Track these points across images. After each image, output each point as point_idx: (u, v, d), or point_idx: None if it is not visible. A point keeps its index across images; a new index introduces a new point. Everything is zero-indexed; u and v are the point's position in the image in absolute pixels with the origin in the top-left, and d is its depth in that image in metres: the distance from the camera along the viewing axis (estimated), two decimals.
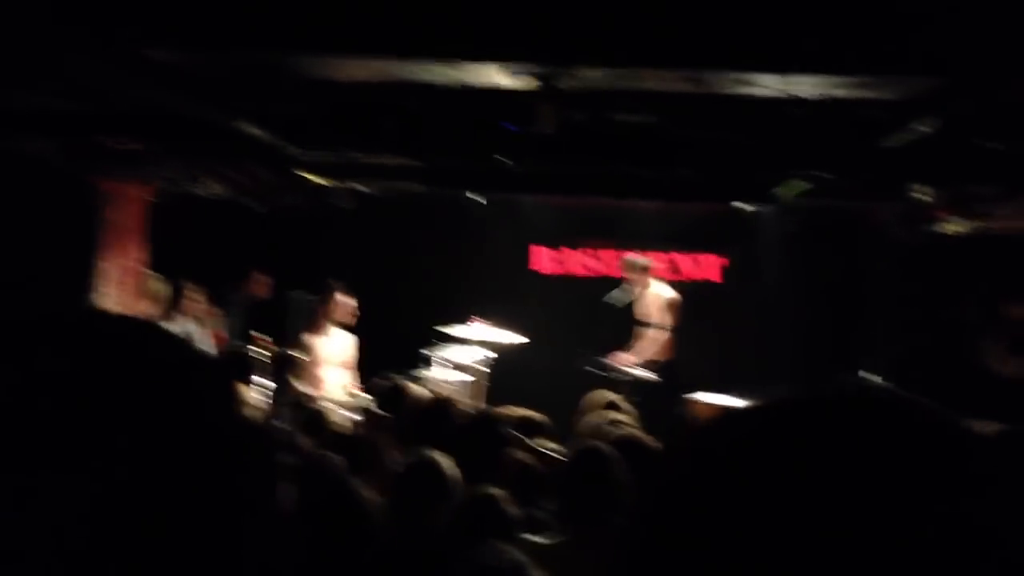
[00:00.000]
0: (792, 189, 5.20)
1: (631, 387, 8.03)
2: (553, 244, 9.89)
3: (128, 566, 0.71)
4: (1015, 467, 0.60)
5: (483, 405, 7.49)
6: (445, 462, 3.62)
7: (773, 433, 0.62)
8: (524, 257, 9.90)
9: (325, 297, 7.67)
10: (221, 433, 0.79)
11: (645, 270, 8.54)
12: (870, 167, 4.79)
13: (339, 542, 2.98)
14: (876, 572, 0.56)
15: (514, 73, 4.13)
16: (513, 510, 3.35)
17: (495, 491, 3.46)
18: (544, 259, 9.93)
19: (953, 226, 6.21)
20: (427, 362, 7.93)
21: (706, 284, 9.78)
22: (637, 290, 8.55)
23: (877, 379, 7.41)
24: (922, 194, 4.95)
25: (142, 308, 6.87)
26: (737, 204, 6.15)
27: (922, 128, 4.27)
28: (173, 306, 7.70)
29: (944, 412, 0.62)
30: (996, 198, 5.42)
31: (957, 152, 4.61)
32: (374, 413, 4.34)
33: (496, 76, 4.19)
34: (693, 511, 0.61)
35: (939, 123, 4.14)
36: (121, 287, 6.40)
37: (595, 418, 5.03)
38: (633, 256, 8.67)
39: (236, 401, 0.96)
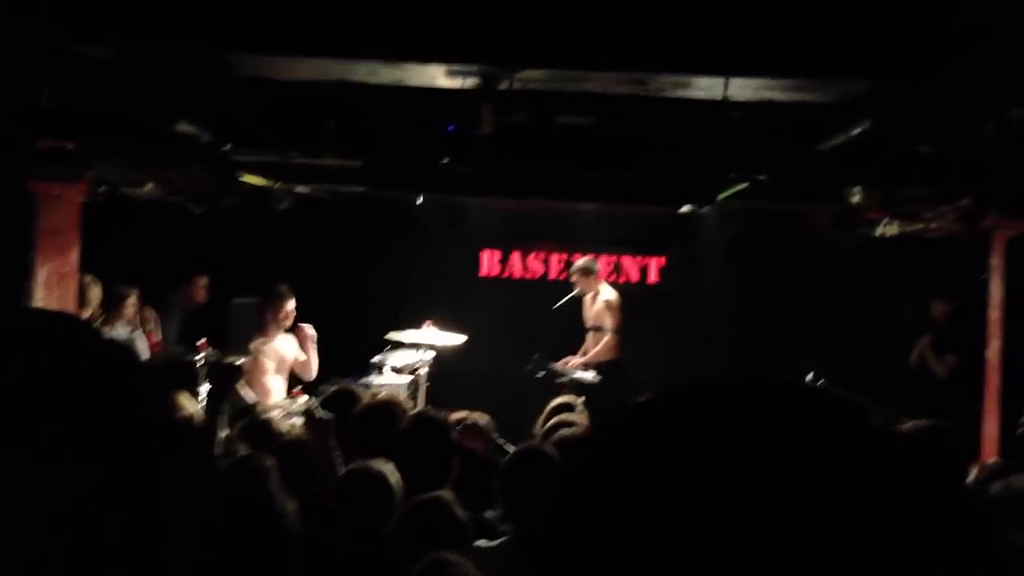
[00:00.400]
0: (729, 190, 5.28)
1: (581, 390, 8.09)
2: (502, 247, 9.92)
3: (47, 562, 0.70)
4: (924, 460, 0.60)
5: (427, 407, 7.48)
6: (387, 469, 3.59)
7: (668, 424, 0.62)
8: (474, 261, 9.91)
9: (272, 301, 7.55)
10: (149, 434, 0.77)
11: (593, 273, 8.62)
12: (806, 169, 4.88)
13: (253, 550, 2.93)
14: (769, 560, 0.55)
15: (456, 74, 4.13)
16: (462, 513, 3.33)
17: (443, 495, 3.44)
18: (493, 263, 9.94)
19: (885, 229, 6.35)
20: (375, 367, 7.88)
21: (649, 286, 9.89)
22: (585, 294, 8.62)
23: (816, 378, 7.53)
24: (855, 196, 5.06)
25: (77, 312, 6.72)
26: (683, 209, 6.23)
27: (856, 131, 4.36)
28: (108, 310, 7.55)
29: (847, 400, 0.62)
30: (925, 200, 5.56)
31: (889, 155, 4.72)
32: (320, 419, 4.28)
33: (438, 77, 4.19)
34: (593, 508, 0.60)
35: (872, 126, 4.24)
36: (56, 291, 6.25)
37: (549, 422, 5.05)
38: (582, 260, 8.75)
39: (167, 403, 0.94)
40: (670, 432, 0.61)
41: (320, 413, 4.37)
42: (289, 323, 7.61)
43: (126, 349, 0.86)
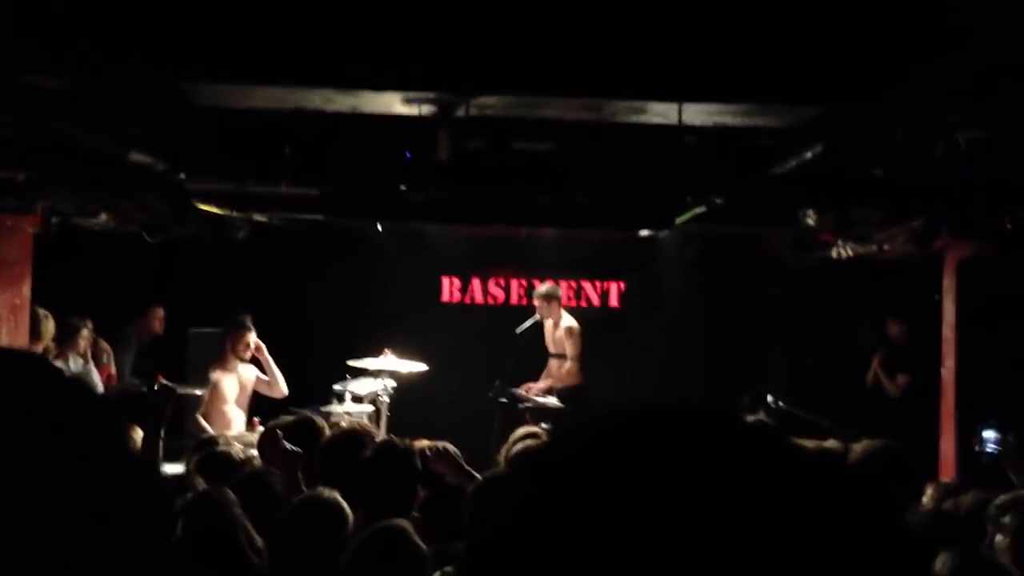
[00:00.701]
0: (687, 214, 5.33)
1: (544, 416, 8.08)
2: (461, 274, 9.91)
3: None
4: (857, 489, 0.61)
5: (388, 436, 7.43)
6: (336, 497, 3.54)
7: (590, 452, 0.62)
8: (434, 288, 9.89)
9: (233, 331, 7.48)
10: (103, 468, 0.77)
11: (555, 299, 8.64)
12: (759, 193, 4.94)
13: None
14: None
15: (412, 101, 4.14)
16: (419, 543, 3.29)
17: (402, 523, 3.40)
18: (453, 289, 9.93)
19: (841, 251, 6.44)
20: (335, 395, 7.82)
21: (610, 310, 9.93)
22: (546, 319, 8.63)
23: (775, 400, 7.59)
24: (809, 219, 5.13)
25: (29, 345, 6.60)
26: (642, 233, 6.29)
27: (808, 154, 4.43)
28: (61, 343, 7.43)
29: (767, 428, 0.63)
30: (878, 223, 5.65)
31: (840, 178, 4.80)
32: (289, 450, 4.23)
33: (394, 104, 4.19)
34: (516, 533, 0.61)
35: (824, 149, 4.30)
36: (7, 324, 6.14)
37: (513, 449, 5.03)
38: (543, 286, 8.77)
39: (122, 437, 0.93)
40: (601, 460, 0.62)
41: (288, 445, 4.32)
42: (249, 354, 7.54)
43: (81, 383, 0.87)
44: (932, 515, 3.44)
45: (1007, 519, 3.28)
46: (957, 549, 2.91)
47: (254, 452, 5.96)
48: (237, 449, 5.04)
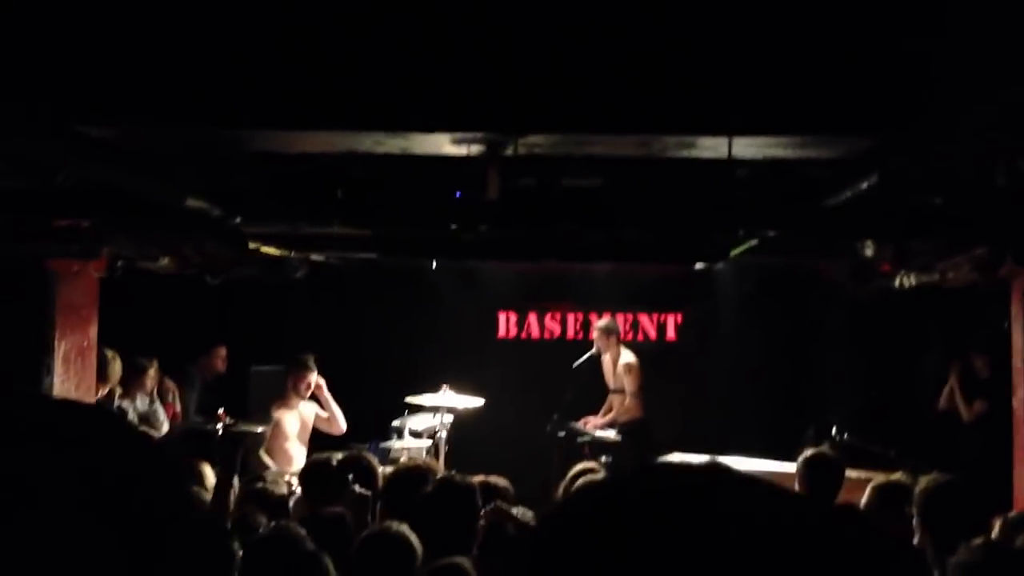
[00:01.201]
0: (742, 246, 5.27)
1: (603, 450, 8.03)
2: (517, 308, 9.92)
3: None
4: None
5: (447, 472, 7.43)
6: (405, 530, 3.56)
7: (606, 515, 0.63)
8: (491, 323, 9.91)
9: (296, 370, 7.59)
10: (167, 524, 0.78)
11: (613, 334, 8.61)
12: (814, 225, 4.87)
13: None
14: None
15: (461, 141, 4.17)
16: None
17: (460, 561, 3.40)
18: (510, 324, 9.95)
19: (902, 279, 6.30)
20: (395, 431, 7.87)
21: (667, 343, 9.84)
22: (604, 353, 8.60)
23: (839, 432, 7.43)
24: (868, 250, 5.03)
25: (98, 387, 6.76)
26: (697, 265, 6.24)
27: (864, 185, 4.36)
28: (128, 383, 7.60)
29: (785, 494, 0.64)
30: (939, 252, 5.52)
31: (898, 209, 4.70)
32: (359, 494, 4.28)
33: (443, 144, 4.23)
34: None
35: (880, 180, 4.23)
36: (75, 366, 6.29)
37: (571, 486, 5.00)
38: (601, 320, 8.76)
39: (185, 493, 0.95)
40: (613, 520, 0.64)
41: (359, 489, 4.37)
42: (309, 393, 7.63)
43: (146, 439, 0.87)
44: (996, 550, 3.32)
45: None
46: None
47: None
48: (282, 486, 5.07)
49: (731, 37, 3.77)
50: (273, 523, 3.79)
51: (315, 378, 7.59)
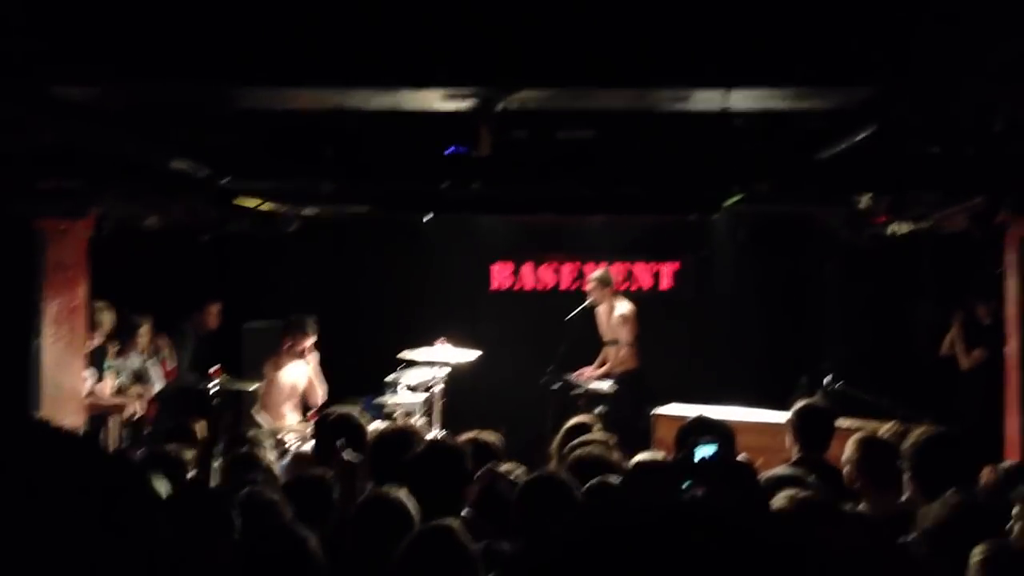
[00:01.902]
0: (733, 197, 5.22)
1: (598, 401, 8.04)
2: (511, 260, 9.87)
3: None
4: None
5: (440, 429, 7.46)
6: (403, 495, 3.55)
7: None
8: (484, 276, 9.87)
9: (294, 332, 7.55)
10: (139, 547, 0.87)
11: (608, 285, 8.56)
12: (810, 178, 4.81)
13: None
14: None
15: (452, 97, 4.09)
16: (470, 543, 3.28)
17: (451, 523, 3.39)
18: (504, 276, 9.91)
19: (897, 227, 6.27)
20: (389, 386, 7.86)
21: (662, 292, 9.82)
22: (599, 305, 8.56)
23: (833, 381, 7.44)
24: (862, 200, 4.98)
25: (88, 338, 6.73)
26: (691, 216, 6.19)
27: (861, 135, 4.30)
28: (122, 340, 7.57)
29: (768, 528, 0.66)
30: (934, 202, 5.48)
31: (895, 159, 4.65)
32: (348, 461, 4.26)
33: (434, 100, 4.15)
34: None
35: (877, 130, 4.17)
36: (64, 326, 6.25)
37: (565, 444, 4.99)
38: (596, 272, 8.70)
39: (151, 498, 1.00)
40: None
41: (349, 456, 4.35)
42: (305, 355, 7.61)
43: (120, 462, 0.99)
44: (983, 500, 3.33)
45: None
46: (990, 542, 2.82)
47: (308, 445, 6.03)
48: (269, 447, 5.03)
49: None
50: (248, 489, 3.76)
51: (311, 342, 7.56)
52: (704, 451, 3.54)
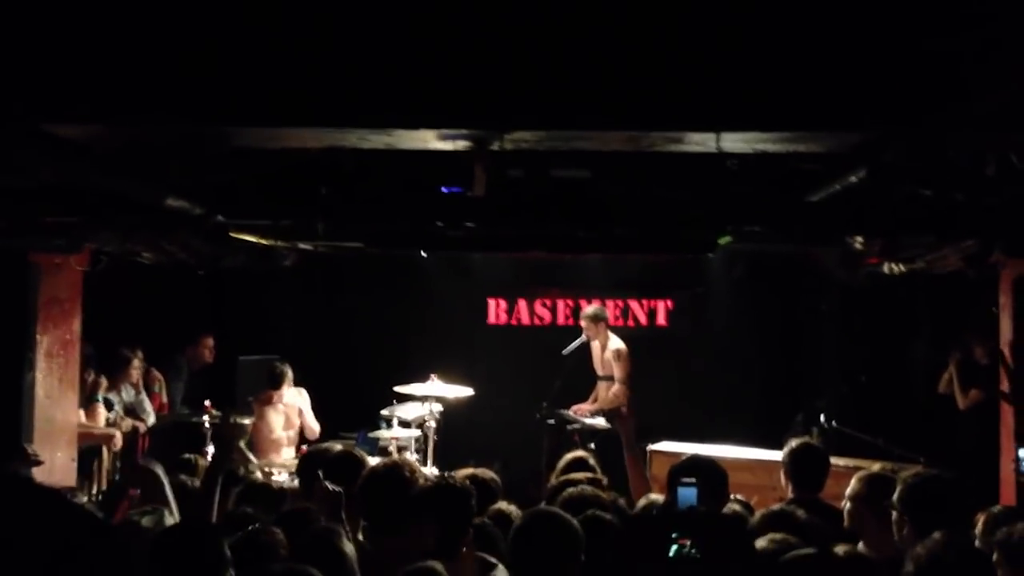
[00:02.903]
0: (724, 239, 5.24)
1: (592, 436, 8.02)
2: (507, 295, 9.88)
3: None
4: None
5: (434, 464, 7.43)
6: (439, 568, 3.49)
7: None
8: (480, 310, 9.87)
9: (276, 364, 7.61)
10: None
11: (602, 321, 8.56)
12: (802, 219, 4.83)
13: None
14: None
15: (447, 137, 4.12)
16: None
17: (434, 565, 3.37)
18: (499, 311, 9.91)
19: (892, 267, 6.28)
20: (383, 421, 7.84)
21: (658, 329, 9.82)
22: (593, 340, 8.56)
23: (828, 420, 7.42)
24: (857, 243, 4.99)
25: (82, 378, 6.72)
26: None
27: (853, 178, 4.32)
28: (114, 374, 7.54)
29: None
30: (927, 244, 5.49)
31: (887, 202, 4.67)
32: (331, 491, 4.22)
33: (429, 140, 4.17)
34: None
35: (869, 173, 4.19)
36: (58, 360, 6.24)
37: (562, 478, 4.97)
38: (589, 308, 8.72)
39: (121, 552, 1.03)
40: None
41: (329, 486, 4.31)
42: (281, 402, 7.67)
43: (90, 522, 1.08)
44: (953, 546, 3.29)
45: None
46: None
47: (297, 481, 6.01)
48: (280, 478, 5.03)
49: (718, 32, 3.72)
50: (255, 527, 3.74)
51: (283, 394, 7.64)
52: (685, 495, 3.52)
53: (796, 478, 4.80)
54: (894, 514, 3.92)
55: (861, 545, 4.03)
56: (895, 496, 3.97)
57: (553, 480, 5.21)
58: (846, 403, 8.11)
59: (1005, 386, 6.36)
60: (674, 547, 2.81)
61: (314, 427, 7.73)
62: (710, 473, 4.39)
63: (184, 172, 4.29)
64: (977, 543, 3.76)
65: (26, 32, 3.40)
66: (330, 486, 4.25)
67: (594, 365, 8.65)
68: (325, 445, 5.52)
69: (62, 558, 0.93)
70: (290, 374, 7.66)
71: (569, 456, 5.55)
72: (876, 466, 5.11)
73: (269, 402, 7.58)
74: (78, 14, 3.47)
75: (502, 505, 4.50)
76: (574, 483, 4.70)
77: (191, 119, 3.63)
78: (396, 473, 4.70)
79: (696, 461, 4.73)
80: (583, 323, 8.58)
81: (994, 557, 3.18)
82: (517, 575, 3.72)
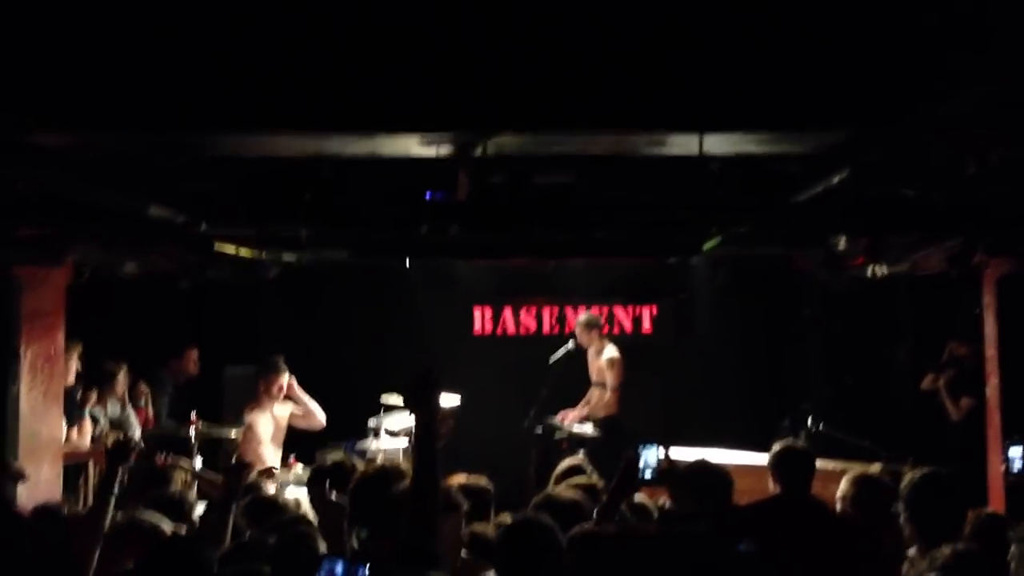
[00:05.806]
0: (713, 240, 5.25)
1: (581, 444, 8.01)
2: (493, 304, 9.87)
3: None
4: None
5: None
6: None
7: None
8: (466, 319, 9.85)
9: (266, 373, 7.52)
10: None
11: (595, 328, 8.58)
12: (786, 221, 4.85)
13: None
14: None
15: (429, 143, 4.11)
16: None
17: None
18: (485, 320, 9.90)
19: (873, 270, 6.31)
20: (371, 431, 7.82)
21: (643, 335, 9.83)
22: (585, 348, 8.57)
23: (815, 423, 7.44)
24: (840, 244, 5.01)
25: (65, 391, 6.67)
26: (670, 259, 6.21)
27: (836, 179, 4.34)
28: (99, 387, 7.48)
29: None
30: (910, 244, 5.52)
31: (870, 202, 4.69)
32: (333, 502, 4.21)
33: (411, 146, 4.16)
34: None
35: (851, 173, 4.21)
36: (42, 373, 6.19)
37: (558, 486, 4.96)
38: (583, 315, 8.75)
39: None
40: None
41: (334, 497, 4.30)
42: (282, 395, 7.56)
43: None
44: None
45: None
46: None
47: (293, 492, 5.98)
48: (275, 490, 5.00)
49: (700, 34, 3.74)
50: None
51: (287, 379, 7.53)
52: (648, 455, 3.50)
53: (783, 480, 4.80)
54: (902, 516, 3.90)
55: None
56: (900, 498, 3.93)
57: (551, 486, 5.21)
58: (832, 406, 8.13)
59: (993, 386, 6.39)
60: None
61: (319, 416, 7.68)
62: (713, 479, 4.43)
63: (166, 181, 4.27)
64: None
65: (3, 41, 3.38)
66: (335, 499, 4.25)
67: (589, 371, 8.68)
68: (332, 456, 5.49)
69: None
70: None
71: (565, 463, 5.56)
72: (872, 468, 5.13)
73: (269, 396, 7.48)
74: (56, 23, 3.45)
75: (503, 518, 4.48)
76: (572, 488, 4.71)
77: (172, 127, 3.62)
78: (387, 476, 4.69)
79: (706, 467, 4.74)
80: (577, 330, 8.62)
81: (1012, 550, 3.17)
82: None
